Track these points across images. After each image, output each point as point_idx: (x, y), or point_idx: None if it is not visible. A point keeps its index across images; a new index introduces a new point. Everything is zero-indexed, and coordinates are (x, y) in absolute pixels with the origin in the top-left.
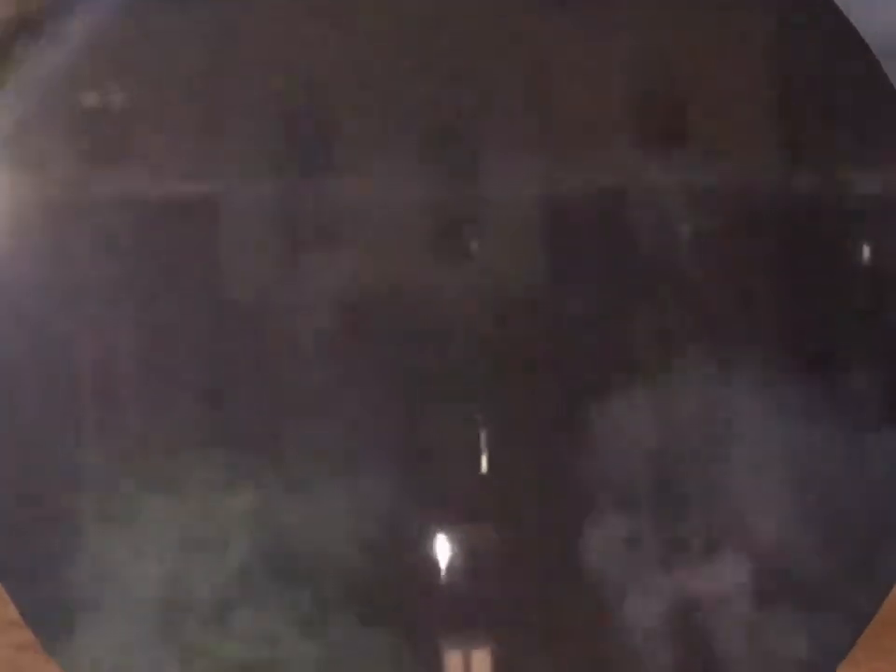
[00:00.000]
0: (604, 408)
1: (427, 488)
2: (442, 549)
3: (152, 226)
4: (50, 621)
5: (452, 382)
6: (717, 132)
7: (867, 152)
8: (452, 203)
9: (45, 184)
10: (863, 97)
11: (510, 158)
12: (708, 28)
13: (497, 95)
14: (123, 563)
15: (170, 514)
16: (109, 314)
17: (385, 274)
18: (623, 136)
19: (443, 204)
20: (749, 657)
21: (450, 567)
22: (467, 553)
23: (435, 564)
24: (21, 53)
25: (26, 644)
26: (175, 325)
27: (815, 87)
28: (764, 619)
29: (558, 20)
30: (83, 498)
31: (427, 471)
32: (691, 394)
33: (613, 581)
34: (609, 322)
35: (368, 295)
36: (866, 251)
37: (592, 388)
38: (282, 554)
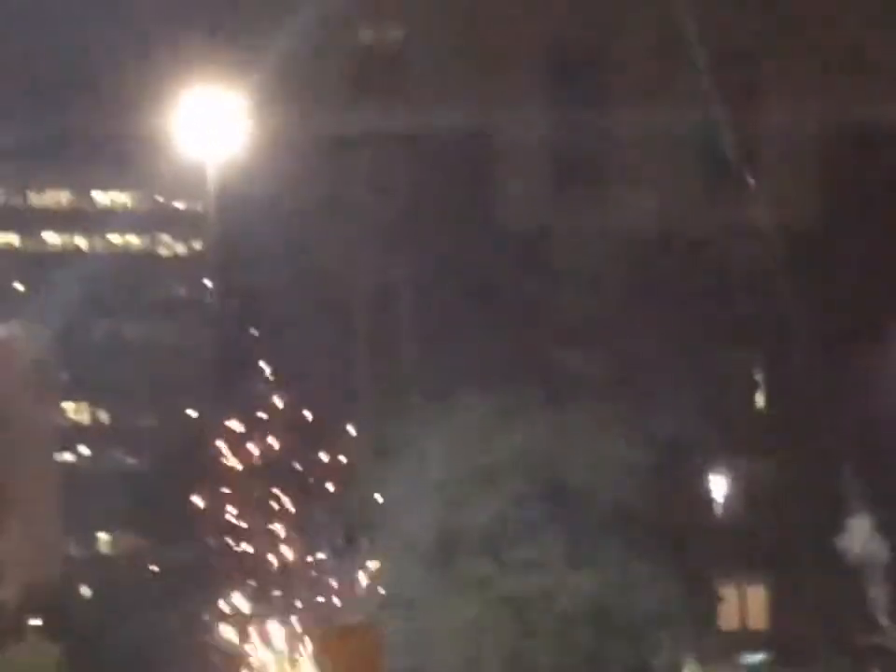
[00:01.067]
0: (881, 346)
1: (706, 423)
2: (719, 483)
3: (424, 160)
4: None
5: (734, 319)
6: None
7: None
8: (728, 139)
9: (321, 117)
10: None
11: (787, 96)
12: None
13: (775, 34)
14: (399, 495)
15: (446, 449)
16: (383, 245)
17: (661, 210)
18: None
19: (720, 140)
20: None
21: (726, 501)
22: (744, 488)
23: (711, 498)
24: None
25: None
26: (451, 258)
27: None
28: None
29: None
30: (361, 431)
31: (707, 406)
32: None
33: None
34: (883, 262)
35: (643, 229)
36: None
37: (870, 327)
38: (555, 487)
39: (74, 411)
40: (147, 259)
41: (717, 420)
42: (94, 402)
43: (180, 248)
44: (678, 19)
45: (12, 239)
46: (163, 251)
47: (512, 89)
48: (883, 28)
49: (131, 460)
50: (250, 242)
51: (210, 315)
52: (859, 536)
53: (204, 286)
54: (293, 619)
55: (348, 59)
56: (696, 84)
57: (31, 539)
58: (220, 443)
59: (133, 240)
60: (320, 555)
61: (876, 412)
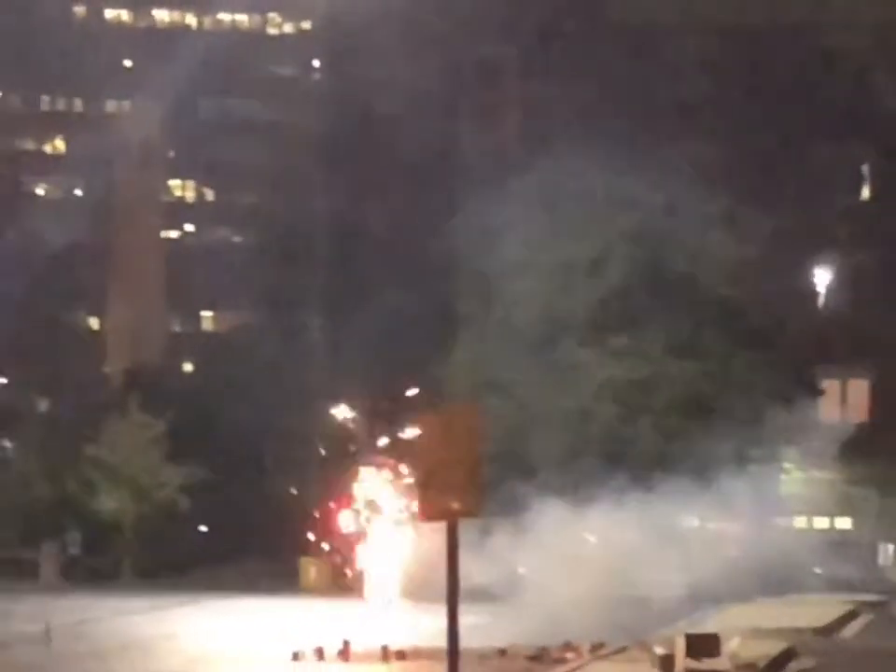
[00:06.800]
0: None
1: (808, 216)
2: (822, 275)
3: None
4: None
5: (840, 112)
6: None
7: None
8: None
9: None
10: None
11: None
12: None
13: None
14: (505, 279)
15: (550, 234)
16: None
17: None
18: None
19: None
20: None
21: (829, 293)
22: (846, 280)
23: (814, 290)
24: None
25: None
26: None
27: None
28: None
29: None
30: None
31: (812, 199)
32: None
33: None
34: None
35: None
36: None
37: None
38: (658, 275)
39: (180, 188)
40: (255, 37)
41: (821, 212)
42: (200, 180)
43: (288, 28)
44: None
45: (123, 15)
46: (272, 30)
47: None
48: None
49: (235, 237)
50: (356, 25)
51: (316, 95)
52: None
53: (311, 65)
54: None
55: None
56: None
57: (136, 316)
58: None
59: (242, 18)
60: None
61: None
